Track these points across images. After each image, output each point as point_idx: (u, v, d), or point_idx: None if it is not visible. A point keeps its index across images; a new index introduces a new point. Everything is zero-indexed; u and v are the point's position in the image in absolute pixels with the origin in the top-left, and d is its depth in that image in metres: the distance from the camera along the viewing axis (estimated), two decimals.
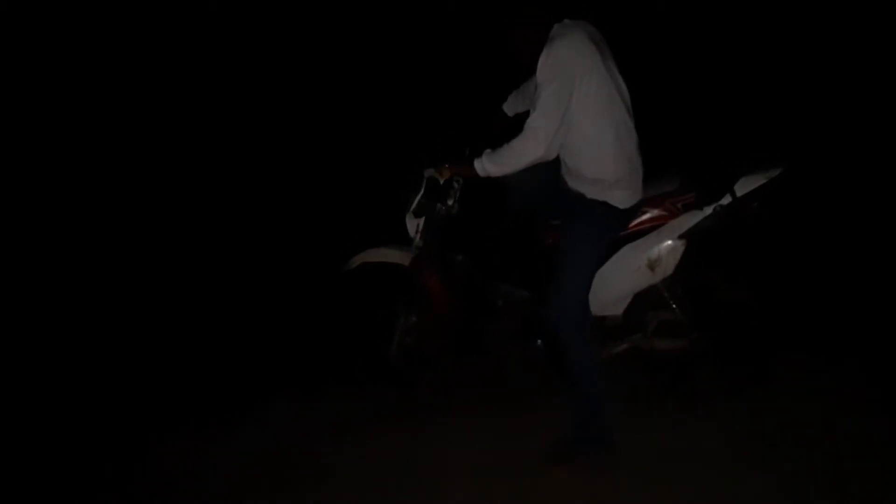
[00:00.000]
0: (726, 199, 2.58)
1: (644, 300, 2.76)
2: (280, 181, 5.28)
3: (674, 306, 2.75)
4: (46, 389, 3.47)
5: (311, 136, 5.54)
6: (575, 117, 2.37)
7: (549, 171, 2.67)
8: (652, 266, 2.64)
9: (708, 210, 2.60)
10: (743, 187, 2.58)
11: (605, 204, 2.51)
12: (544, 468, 2.54)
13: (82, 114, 5.41)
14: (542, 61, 2.34)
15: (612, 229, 2.59)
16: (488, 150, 2.49)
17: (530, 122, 2.38)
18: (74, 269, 4.55)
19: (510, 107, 2.89)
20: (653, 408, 2.81)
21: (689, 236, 2.62)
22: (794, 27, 5.20)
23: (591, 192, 2.53)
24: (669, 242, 2.63)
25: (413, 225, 2.83)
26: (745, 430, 2.64)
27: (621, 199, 2.51)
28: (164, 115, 5.55)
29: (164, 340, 3.83)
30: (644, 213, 2.66)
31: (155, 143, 5.49)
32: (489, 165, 2.47)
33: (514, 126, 2.67)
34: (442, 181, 2.68)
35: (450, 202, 2.72)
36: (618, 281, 2.66)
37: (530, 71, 2.73)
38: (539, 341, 2.86)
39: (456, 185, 2.71)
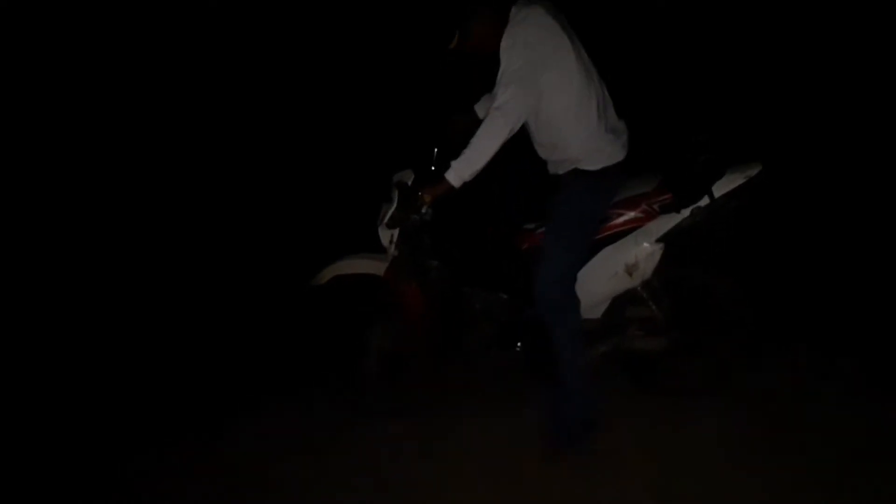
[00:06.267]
0: (704, 201, 2.52)
1: (623, 300, 2.73)
2: (264, 183, 5.20)
3: (653, 308, 2.72)
4: (28, 395, 3.42)
5: (293, 137, 5.47)
6: (543, 98, 2.33)
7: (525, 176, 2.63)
8: (630, 271, 2.60)
9: (685, 212, 2.54)
10: (721, 188, 2.51)
11: (575, 171, 2.47)
12: (534, 466, 2.56)
13: (82, 114, 5.29)
14: (504, 42, 2.28)
15: (586, 196, 2.50)
16: (454, 160, 2.37)
17: (495, 103, 2.30)
18: (62, 271, 4.48)
19: (482, 108, 2.79)
20: (638, 404, 2.82)
21: (666, 239, 2.57)
22: (788, 26, 5.07)
23: (563, 168, 2.51)
24: (647, 246, 2.58)
25: (386, 235, 2.74)
26: (735, 423, 2.66)
27: (591, 163, 2.45)
28: (162, 115, 5.44)
29: (148, 346, 3.77)
30: (620, 214, 2.60)
31: (151, 143, 5.39)
32: (461, 169, 2.35)
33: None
34: (410, 184, 2.60)
35: (423, 210, 2.63)
36: (596, 286, 2.62)
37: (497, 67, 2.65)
38: (518, 345, 2.84)
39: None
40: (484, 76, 2.57)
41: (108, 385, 3.46)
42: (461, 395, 3.06)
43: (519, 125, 2.34)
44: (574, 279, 2.53)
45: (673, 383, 2.85)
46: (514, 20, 2.31)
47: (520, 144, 2.53)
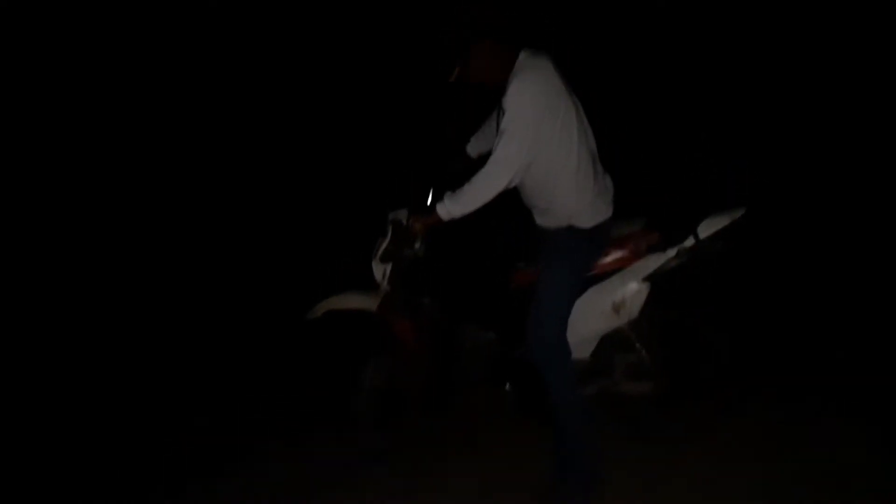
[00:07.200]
0: (689, 241, 2.58)
1: (611, 342, 2.74)
2: (263, 211, 5.24)
3: (641, 350, 2.72)
4: (30, 400, 3.46)
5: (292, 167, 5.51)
6: (541, 154, 2.35)
7: (517, 215, 2.70)
8: (617, 309, 2.63)
9: (671, 252, 2.59)
10: (706, 229, 2.57)
11: (569, 227, 2.52)
12: None
13: (82, 114, 5.30)
14: (514, 92, 2.29)
15: (580, 251, 2.54)
16: (449, 192, 2.44)
17: (497, 154, 2.33)
18: (65, 270, 4.54)
19: (473, 148, 2.88)
20: (629, 447, 2.78)
21: (653, 279, 2.61)
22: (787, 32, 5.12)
23: (555, 222, 2.55)
24: (634, 285, 2.62)
25: (380, 270, 2.80)
26: (727, 466, 2.61)
27: (584, 220, 2.51)
28: (162, 115, 5.47)
29: (146, 383, 3.76)
30: (608, 254, 2.65)
31: (153, 143, 5.43)
32: (452, 207, 2.40)
33: (476, 167, 2.69)
34: (405, 222, 2.68)
35: (416, 246, 2.71)
36: (583, 324, 2.64)
37: (489, 110, 2.78)
38: (507, 384, 2.83)
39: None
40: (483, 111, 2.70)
41: (103, 425, 3.45)
42: (453, 435, 3.04)
43: (518, 179, 2.38)
44: (566, 324, 2.54)
45: (663, 428, 2.80)
46: (523, 67, 2.34)
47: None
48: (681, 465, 2.64)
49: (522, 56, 2.39)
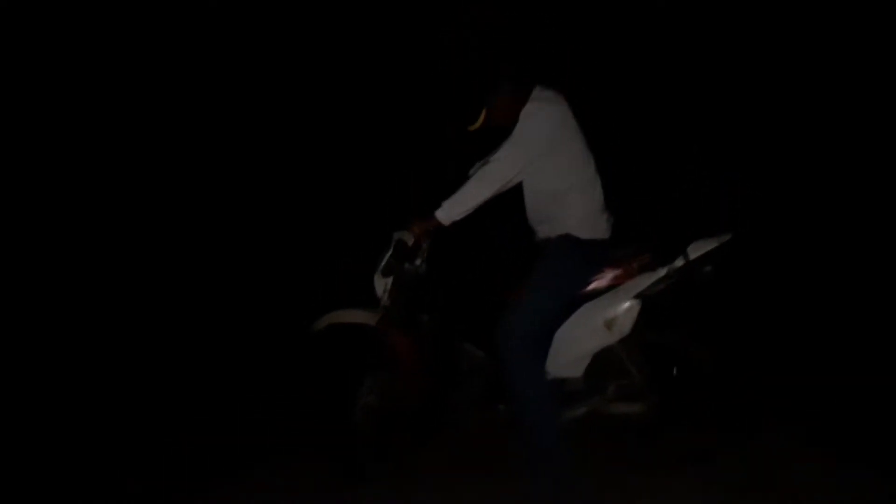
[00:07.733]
0: (680, 261, 2.66)
1: (604, 364, 2.78)
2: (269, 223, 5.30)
3: (633, 370, 2.77)
4: (32, 400, 3.50)
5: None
6: (546, 177, 2.55)
7: (518, 235, 2.81)
8: (609, 325, 2.69)
9: (662, 271, 2.68)
10: (695, 250, 2.66)
11: (566, 235, 2.64)
12: None
13: (82, 114, 5.38)
14: (526, 113, 2.52)
15: (570, 260, 2.64)
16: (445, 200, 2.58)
17: (499, 154, 2.53)
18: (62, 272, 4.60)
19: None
20: (617, 472, 2.79)
21: (644, 297, 2.68)
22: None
23: (555, 232, 2.68)
24: (625, 302, 2.69)
25: (381, 284, 2.89)
26: (716, 493, 2.62)
27: (583, 232, 2.64)
28: (162, 115, 5.54)
29: (140, 394, 3.79)
30: (602, 272, 2.74)
31: (153, 143, 5.50)
32: (451, 208, 2.55)
33: None
34: (410, 242, 2.76)
35: (417, 261, 2.80)
36: (575, 341, 2.70)
37: (499, 139, 2.90)
38: (501, 406, 2.86)
39: (423, 244, 2.77)
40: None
41: (104, 426, 3.49)
42: (446, 452, 3.06)
43: (511, 182, 2.56)
44: (538, 334, 2.59)
45: (651, 450, 2.83)
46: (538, 96, 2.58)
47: (518, 201, 2.74)
48: (679, 495, 2.63)
49: (537, 89, 2.62)
